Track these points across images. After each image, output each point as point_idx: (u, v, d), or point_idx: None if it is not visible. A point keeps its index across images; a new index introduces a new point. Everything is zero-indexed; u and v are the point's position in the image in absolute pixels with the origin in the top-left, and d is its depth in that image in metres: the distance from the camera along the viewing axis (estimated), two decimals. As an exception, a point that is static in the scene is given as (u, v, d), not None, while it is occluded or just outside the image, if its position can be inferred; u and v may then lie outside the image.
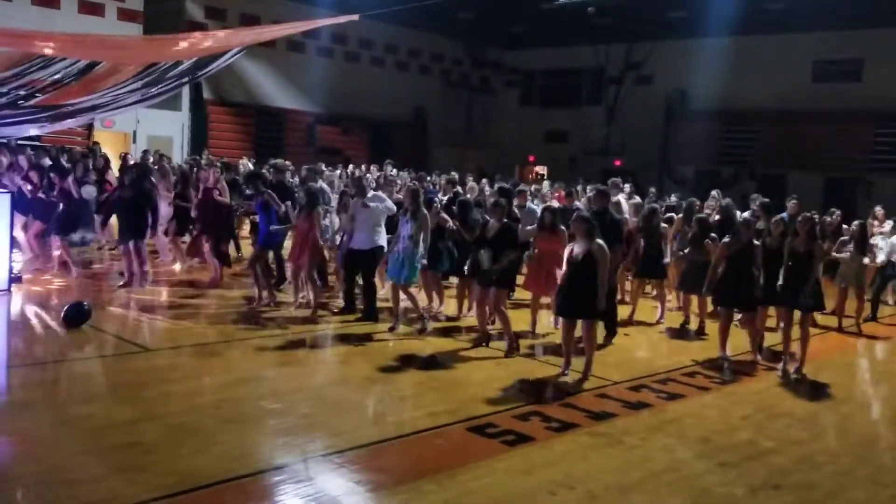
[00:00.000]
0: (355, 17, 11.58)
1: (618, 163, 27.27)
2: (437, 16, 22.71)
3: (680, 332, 9.08)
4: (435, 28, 26.39)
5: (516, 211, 8.97)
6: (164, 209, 11.06)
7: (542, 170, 29.21)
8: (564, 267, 6.92)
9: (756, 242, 7.60)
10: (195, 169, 12.23)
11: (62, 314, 7.62)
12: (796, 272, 7.30)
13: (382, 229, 8.71)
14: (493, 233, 7.59)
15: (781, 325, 7.74)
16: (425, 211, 8.22)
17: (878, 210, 11.82)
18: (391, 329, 8.22)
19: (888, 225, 10.79)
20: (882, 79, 22.36)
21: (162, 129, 21.62)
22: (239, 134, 23.77)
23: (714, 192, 13.01)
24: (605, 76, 27.66)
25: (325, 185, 11.47)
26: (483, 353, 7.64)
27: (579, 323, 7.00)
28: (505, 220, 7.65)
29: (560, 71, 29.46)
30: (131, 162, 12.81)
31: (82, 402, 5.57)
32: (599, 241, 6.70)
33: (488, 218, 8.23)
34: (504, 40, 29.09)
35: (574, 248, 6.81)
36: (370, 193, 8.90)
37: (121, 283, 9.69)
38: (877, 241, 10.04)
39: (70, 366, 6.60)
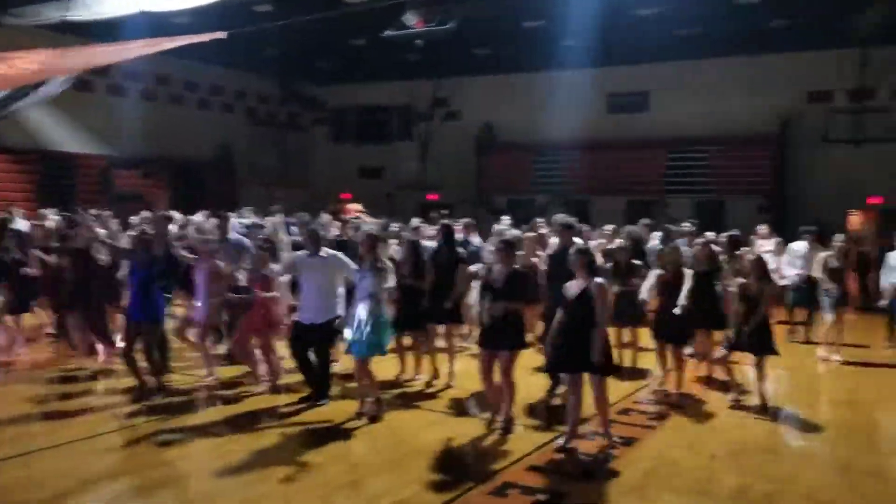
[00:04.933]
0: (223, 34, 10.39)
1: (434, 196, 27.48)
2: (241, 52, 21.60)
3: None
4: (239, 64, 25.17)
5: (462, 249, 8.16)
6: None
7: (357, 206, 28.63)
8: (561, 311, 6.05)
9: (687, 271, 7.59)
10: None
11: None
12: (746, 314, 7.33)
13: (342, 293, 7.43)
14: (502, 280, 6.50)
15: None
16: (387, 261, 7.27)
17: (762, 228, 12.20)
18: (362, 415, 7.07)
19: (772, 242, 11.43)
20: (667, 109, 24.42)
21: (-76, 182, 18.46)
22: (20, 183, 20.93)
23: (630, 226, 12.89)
24: (414, 112, 27.80)
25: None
26: (423, 418, 6.95)
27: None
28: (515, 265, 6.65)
29: (370, 107, 29.26)
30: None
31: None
32: (599, 279, 5.99)
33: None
34: (312, 77, 28.36)
35: (569, 288, 6.01)
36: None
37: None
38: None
39: None
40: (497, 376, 6.67)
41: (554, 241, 11.65)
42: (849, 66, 21.22)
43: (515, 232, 11.01)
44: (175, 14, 17.60)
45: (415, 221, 14.58)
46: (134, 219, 13.66)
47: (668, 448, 6.12)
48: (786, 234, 13.53)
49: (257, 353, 8.18)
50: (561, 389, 7.47)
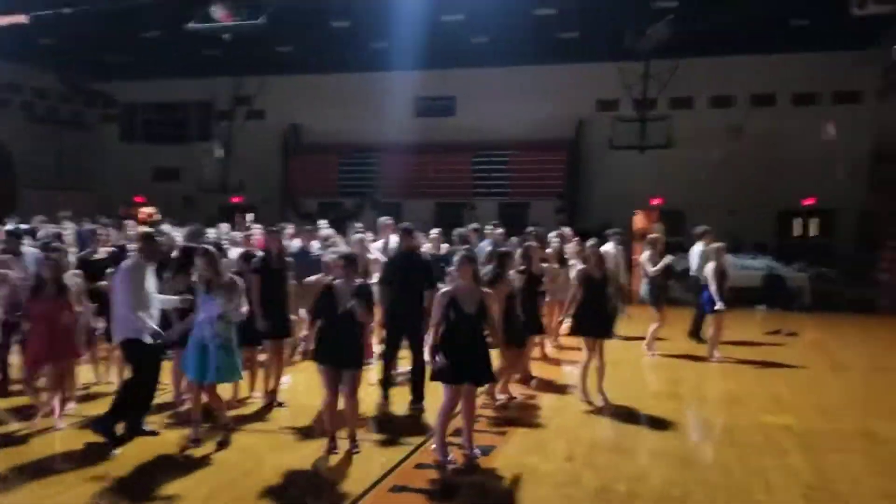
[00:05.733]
0: (23, 17, 9.16)
1: (237, 199, 26.38)
2: (12, 40, 19.35)
3: None
4: (11, 54, 22.49)
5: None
6: None
7: (151, 210, 26.77)
8: (440, 319, 5.82)
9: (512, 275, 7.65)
10: None
11: None
12: (595, 300, 7.56)
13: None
14: (349, 296, 6.18)
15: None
16: (233, 277, 6.63)
17: (567, 230, 12.83)
18: (195, 442, 6.46)
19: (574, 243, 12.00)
20: (472, 113, 25.14)
21: None
22: None
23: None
24: (214, 110, 26.49)
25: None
26: (265, 442, 6.51)
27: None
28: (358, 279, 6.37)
29: (165, 104, 27.47)
30: None
31: None
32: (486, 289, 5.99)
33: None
34: (99, 71, 26.05)
35: (465, 301, 5.85)
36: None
37: None
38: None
39: None
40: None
41: (377, 245, 11.54)
42: (632, 78, 23.01)
43: (361, 236, 10.72)
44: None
45: (224, 228, 13.87)
46: None
47: (524, 454, 6.20)
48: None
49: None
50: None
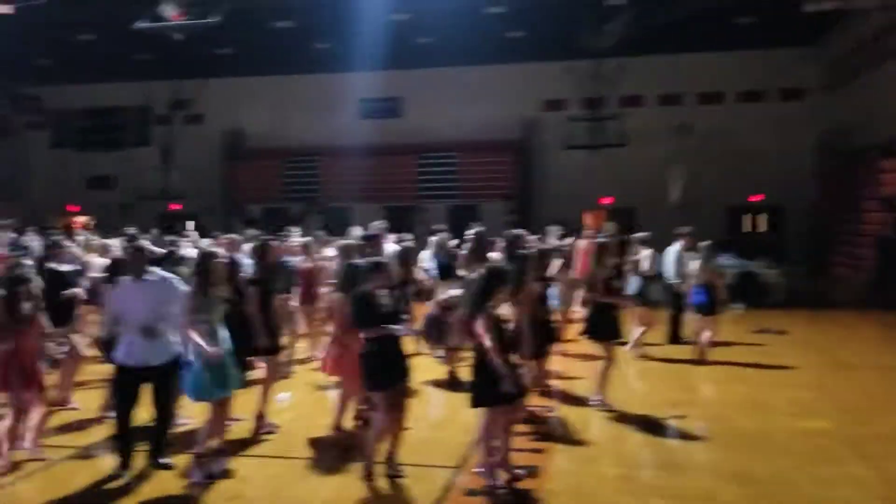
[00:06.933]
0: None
1: (177, 206, 25.31)
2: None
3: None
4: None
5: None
6: None
7: (85, 219, 25.45)
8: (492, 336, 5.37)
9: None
10: None
11: None
12: (608, 302, 7.32)
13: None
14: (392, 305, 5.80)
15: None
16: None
17: (554, 229, 12.60)
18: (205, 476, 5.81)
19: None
20: (419, 115, 24.70)
21: None
22: None
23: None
24: (151, 116, 25.32)
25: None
26: (290, 470, 5.96)
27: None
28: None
29: (98, 110, 26.10)
30: None
31: None
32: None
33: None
34: (29, 74, 24.48)
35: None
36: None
37: None
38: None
39: None
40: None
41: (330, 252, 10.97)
42: (581, 77, 23.00)
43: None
44: None
45: (192, 234, 13.08)
46: None
47: (574, 474, 5.77)
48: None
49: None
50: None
